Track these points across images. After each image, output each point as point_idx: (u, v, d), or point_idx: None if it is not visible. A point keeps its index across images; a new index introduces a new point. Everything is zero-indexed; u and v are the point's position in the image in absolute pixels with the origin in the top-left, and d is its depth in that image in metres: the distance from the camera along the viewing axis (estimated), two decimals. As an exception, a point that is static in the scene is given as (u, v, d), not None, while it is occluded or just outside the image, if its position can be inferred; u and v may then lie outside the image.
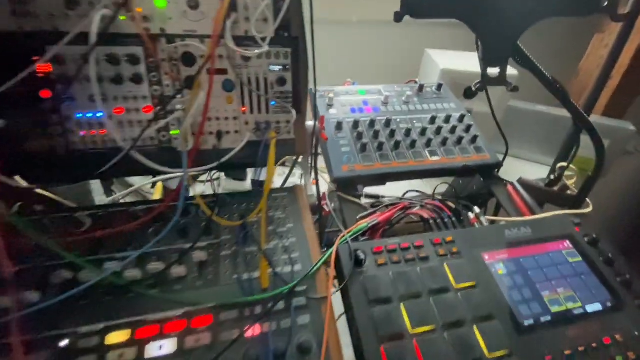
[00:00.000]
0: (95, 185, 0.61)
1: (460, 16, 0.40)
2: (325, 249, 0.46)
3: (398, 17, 0.41)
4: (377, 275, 0.43)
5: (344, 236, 0.47)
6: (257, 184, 0.83)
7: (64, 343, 0.34)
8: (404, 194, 0.84)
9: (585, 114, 0.53)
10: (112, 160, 0.37)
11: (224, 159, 0.41)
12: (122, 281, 0.38)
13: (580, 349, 0.40)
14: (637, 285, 0.48)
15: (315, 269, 0.42)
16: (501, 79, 0.46)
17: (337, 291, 0.42)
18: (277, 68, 0.44)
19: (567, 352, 0.40)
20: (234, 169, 0.61)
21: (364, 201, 0.60)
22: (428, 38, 1.17)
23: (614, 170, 1.09)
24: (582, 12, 0.40)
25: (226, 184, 0.87)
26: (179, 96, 0.40)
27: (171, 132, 0.43)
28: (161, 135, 0.42)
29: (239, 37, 0.40)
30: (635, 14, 0.58)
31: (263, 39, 0.39)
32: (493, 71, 0.45)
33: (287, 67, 0.44)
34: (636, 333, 0.43)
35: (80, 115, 0.40)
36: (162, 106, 0.40)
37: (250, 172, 0.88)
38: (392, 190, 0.86)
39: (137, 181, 0.80)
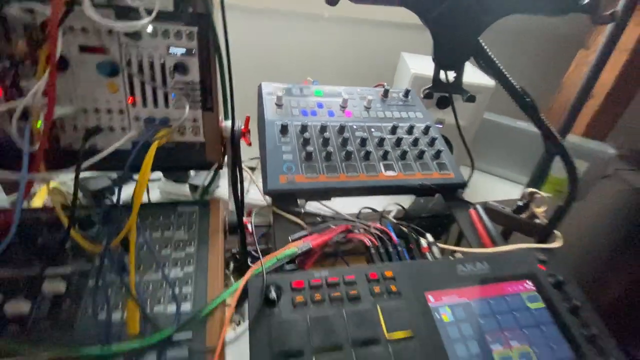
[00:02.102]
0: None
1: (408, 3, 0.32)
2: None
3: (332, 1, 0.33)
4: (291, 320, 0.35)
5: (260, 265, 0.38)
6: (193, 189, 0.74)
7: None
8: (359, 212, 0.76)
9: (556, 133, 0.46)
10: None
11: (87, 163, 0.32)
12: None
13: None
14: (604, 342, 0.40)
15: (207, 311, 0.33)
16: (456, 86, 0.38)
17: (230, 341, 0.33)
18: (178, 51, 0.35)
19: None
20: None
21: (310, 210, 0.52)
22: (407, 41, 1.09)
23: (591, 195, 1.04)
24: (555, 11, 0.33)
25: (165, 186, 0.77)
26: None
27: (38, 125, 0.34)
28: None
29: (119, 7, 0.31)
30: (621, 25, 0.51)
31: (148, 11, 0.30)
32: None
33: (193, 51, 0.35)
34: (599, 403, 0.35)
35: None
36: (13, 87, 0.31)
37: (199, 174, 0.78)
38: (347, 206, 0.78)
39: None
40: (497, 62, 0.37)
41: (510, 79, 0.39)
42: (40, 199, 0.42)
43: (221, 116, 0.41)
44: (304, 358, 0.33)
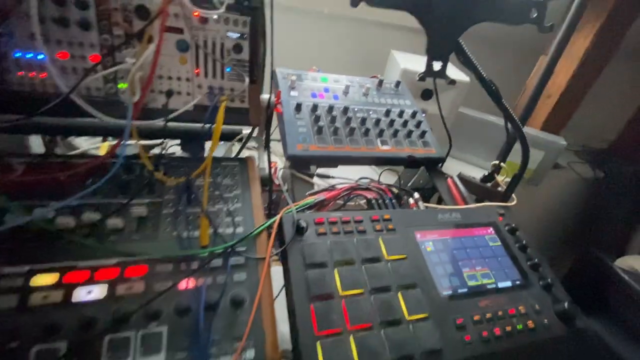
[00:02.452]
0: (34, 143, 0.58)
1: (411, 8, 0.44)
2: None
3: (354, 3, 0.44)
4: (316, 243, 0.46)
5: (290, 208, 0.49)
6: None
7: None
8: (358, 180, 0.88)
9: (514, 115, 0.60)
10: (51, 103, 0.36)
11: (171, 116, 0.41)
12: (53, 227, 0.37)
13: (488, 315, 0.45)
14: (543, 269, 0.54)
15: (256, 231, 0.43)
16: (441, 73, 0.50)
17: (276, 253, 0.44)
18: (234, 35, 0.45)
19: (476, 318, 0.45)
20: (186, 138, 0.59)
21: (315, 181, 0.63)
22: (396, 41, 1.22)
23: (546, 182, 1.22)
24: (514, 21, 0.46)
25: (182, 159, 0.85)
26: (128, 48, 0.40)
27: (119, 86, 0.43)
28: (108, 87, 0.42)
29: (196, -1, 0.41)
30: (566, 35, 0.66)
31: (221, 2, 0.40)
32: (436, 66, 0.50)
33: (245, 35, 0.45)
34: (537, 307, 0.49)
35: (20, 54, 0.38)
36: (110, 56, 0.40)
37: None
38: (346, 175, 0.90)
39: (84, 145, 0.77)
40: (471, 56, 0.50)
41: (480, 69, 0.52)
42: (103, 149, 0.51)
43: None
44: (327, 268, 0.44)
